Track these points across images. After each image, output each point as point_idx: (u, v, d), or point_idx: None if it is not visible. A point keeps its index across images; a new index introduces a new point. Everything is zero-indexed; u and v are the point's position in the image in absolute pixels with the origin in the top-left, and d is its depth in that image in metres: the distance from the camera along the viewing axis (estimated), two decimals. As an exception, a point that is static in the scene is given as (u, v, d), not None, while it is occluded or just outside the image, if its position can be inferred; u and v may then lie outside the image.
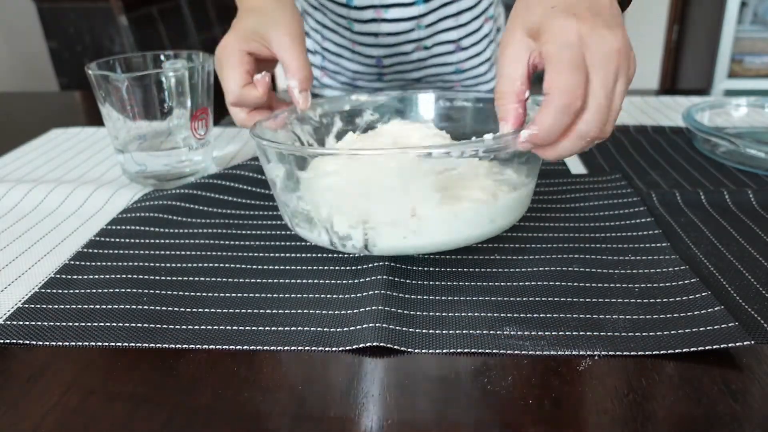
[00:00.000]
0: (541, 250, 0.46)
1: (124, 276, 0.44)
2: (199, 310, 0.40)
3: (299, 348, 0.36)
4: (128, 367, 0.35)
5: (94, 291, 0.42)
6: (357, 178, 0.40)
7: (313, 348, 0.36)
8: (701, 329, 0.36)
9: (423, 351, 0.36)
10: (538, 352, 0.35)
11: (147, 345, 0.37)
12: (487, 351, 0.36)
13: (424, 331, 0.37)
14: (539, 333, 0.37)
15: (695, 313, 0.38)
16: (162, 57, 0.63)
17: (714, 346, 0.34)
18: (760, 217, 0.51)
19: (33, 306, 0.40)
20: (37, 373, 0.35)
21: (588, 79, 0.36)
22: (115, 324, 0.38)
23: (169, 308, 0.40)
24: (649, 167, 0.63)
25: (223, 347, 0.37)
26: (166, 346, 0.37)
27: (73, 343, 0.37)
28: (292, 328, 0.38)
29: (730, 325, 0.36)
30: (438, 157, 0.38)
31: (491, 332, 0.37)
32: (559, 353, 0.35)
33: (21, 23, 2.27)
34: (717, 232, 0.49)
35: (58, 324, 0.38)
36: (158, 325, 0.38)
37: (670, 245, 0.46)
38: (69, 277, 0.44)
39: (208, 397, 0.33)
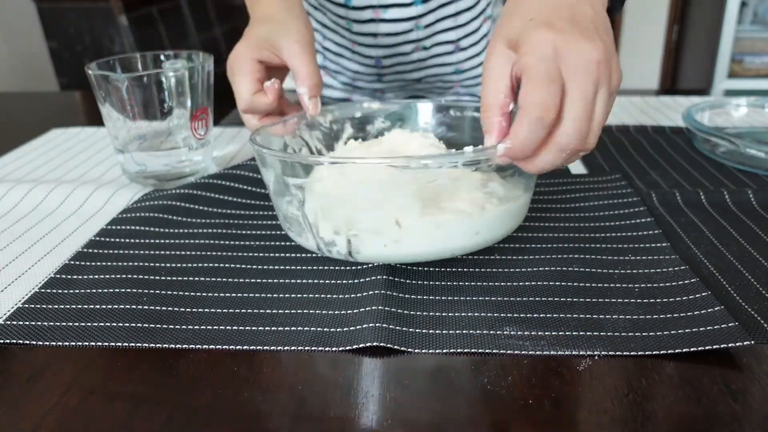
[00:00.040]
0: (541, 250, 0.46)
1: (124, 276, 0.44)
2: (199, 310, 0.40)
3: (299, 348, 0.36)
4: (128, 367, 0.35)
5: (94, 291, 0.42)
6: (340, 186, 0.41)
7: (313, 348, 0.36)
8: (701, 329, 0.36)
9: (423, 351, 0.36)
10: (538, 352, 0.35)
11: (147, 345, 0.37)
12: (487, 351, 0.36)
13: (424, 331, 0.37)
14: (539, 333, 0.37)
15: (695, 313, 0.38)
16: (162, 57, 0.63)
17: (714, 346, 0.34)
18: (760, 217, 0.51)
19: (33, 306, 0.40)
20: (37, 373, 0.35)
21: (564, 91, 0.35)
22: (115, 324, 0.38)
23: (169, 308, 0.40)
24: (649, 167, 0.63)
25: (223, 347, 0.37)
26: (166, 346, 0.37)
27: (73, 343, 0.37)
28: (292, 328, 0.38)
29: (730, 325, 0.36)
30: (415, 167, 0.38)
31: (491, 332, 0.37)
32: (559, 353, 0.35)
33: (21, 23, 2.27)
34: (717, 232, 0.49)
35: (58, 324, 0.38)
36: (158, 325, 0.38)
37: (670, 245, 0.46)
38: (69, 277, 0.44)
39: (208, 397, 0.33)
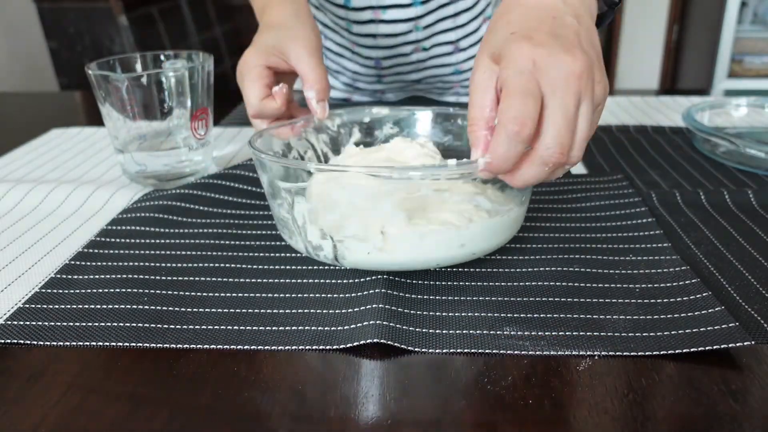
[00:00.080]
0: (541, 250, 0.46)
1: (124, 276, 0.44)
2: (199, 310, 0.40)
3: (299, 348, 0.36)
4: (128, 367, 0.35)
5: (95, 291, 0.42)
6: (327, 192, 0.41)
7: (313, 348, 0.36)
8: (702, 329, 0.36)
9: (423, 350, 0.36)
10: (538, 352, 0.35)
11: (147, 345, 0.37)
12: (487, 351, 0.36)
13: (424, 330, 0.37)
14: (539, 333, 0.37)
15: (696, 313, 0.38)
16: (162, 57, 0.63)
17: (714, 347, 0.34)
18: (760, 217, 0.51)
19: (33, 306, 0.40)
20: (37, 373, 0.35)
21: (545, 105, 0.35)
22: (115, 324, 0.38)
23: (170, 308, 0.40)
24: (649, 167, 0.63)
25: (223, 347, 0.37)
26: (166, 346, 0.37)
27: (73, 343, 0.37)
28: (292, 328, 0.38)
29: (730, 325, 0.36)
30: (397, 178, 0.38)
31: (491, 332, 0.37)
32: (559, 353, 0.35)
33: (21, 23, 2.27)
34: (717, 232, 0.49)
35: (58, 324, 0.38)
36: (158, 325, 0.38)
37: (671, 245, 0.46)
38: (69, 277, 0.44)
39: (208, 397, 0.33)
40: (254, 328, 0.38)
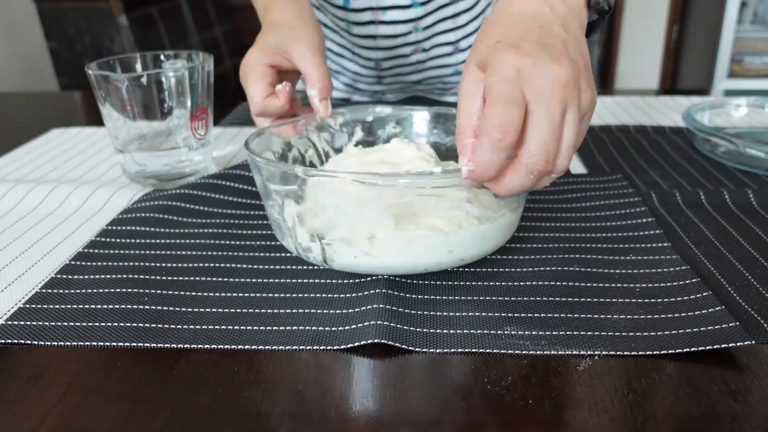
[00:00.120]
0: (541, 250, 0.46)
1: (124, 276, 0.44)
2: (199, 310, 0.40)
3: (299, 348, 0.36)
4: (128, 367, 0.35)
5: (95, 291, 0.42)
6: (315, 195, 0.41)
7: (313, 348, 0.36)
8: (702, 329, 0.36)
9: (423, 350, 0.36)
10: (538, 352, 0.35)
11: (147, 345, 0.37)
12: (487, 351, 0.36)
13: (424, 330, 0.37)
14: (540, 333, 0.37)
15: (696, 313, 0.38)
16: (162, 57, 0.63)
17: (714, 346, 0.34)
18: (760, 217, 0.51)
19: (33, 306, 0.40)
20: (37, 373, 0.35)
21: (529, 112, 0.35)
22: (115, 324, 0.38)
23: (169, 308, 0.40)
24: (649, 167, 0.63)
25: (223, 347, 0.37)
26: (166, 346, 0.37)
27: (73, 343, 0.37)
28: (293, 328, 0.38)
29: (730, 324, 0.36)
30: (381, 185, 0.38)
31: (492, 332, 0.37)
32: (559, 353, 0.35)
33: (21, 23, 2.27)
34: (717, 232, 0.49)
35: (59, 324, 0.38)
36: (158, 325, 0.38)
37: (671, 245, 0.46)
38: (69, 277, 0.44)
39: (208, 397, 0.33)
40: (254, 328, 0.38)
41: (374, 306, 0.39)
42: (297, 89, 0.59)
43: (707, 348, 0.35)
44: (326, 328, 0.38)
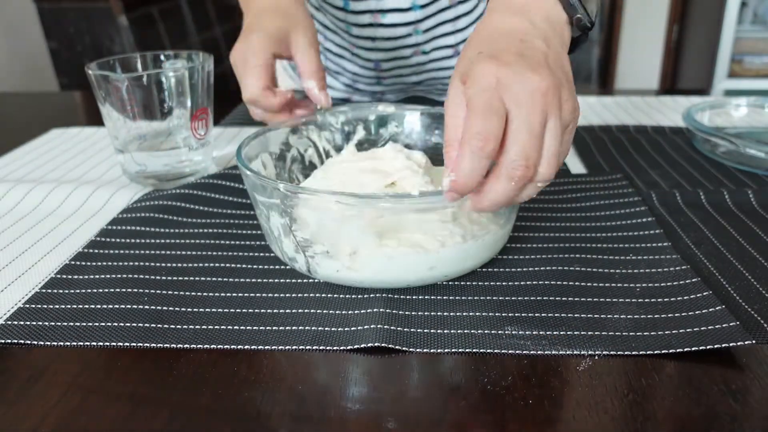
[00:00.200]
0: (541, 250, 0.46)
1: (124, 276, 0.44)
2: (199, 310, 0.40)
3: (299, 348, 0.36)
4: (128, 367, 0.35)
5: (95, 291, 0.42)
6: (298, 209, 0.41)
7: (313, 348, 0.36)
8: (702, 329, 0.36)
9: (424, 350, 0.36)
10: (539, 352, 0.35)
11: (147, 345, 0.37)
12: (487, 351, 0.36)
13: (425, 330, 0.37)
14: (540, 332, 0.37)
15: (696, 312, 0.38)
16: (162, 57, 0.63)
17: (715, 346, 0.34)
18: (760, 217, 0.51)
19: (33, 306, 0.40)
20: (37, 373, 0.35)
21: (509, 120, 0.35)
22: (115, 324, 0.38)
23: (169, 308, 0.40)
24: (649, 167, 0.63)
25: (223, 347, 0.37)
26: (166, 346, 0.37)
27: (73, 343, 0.37)
28: (293, 328, 0.38)
29: (731, 324, 0.36)
30: (357, 205, 0.38)
31: (492, 332, 0.37)
32: (560, 353, 0.35)
33: (21, 23, 2.27)
34: (717, 232, 0.49)
35: (59, 324, 0.38)
36: (158, 325, 0.38)
37: (671, 245, 0.46)
38: (69, 277, 0.44)
39: (208, 397, 0.33)
40: (254, 328, 0.38)
41: (375, 310, 0.39)
42: (295, 89, 0.59)
43: (707, 348, 0.35)
44: (326, 329, 0.38)
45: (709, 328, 0.36)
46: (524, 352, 0.36)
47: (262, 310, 0.40)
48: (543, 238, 0.48)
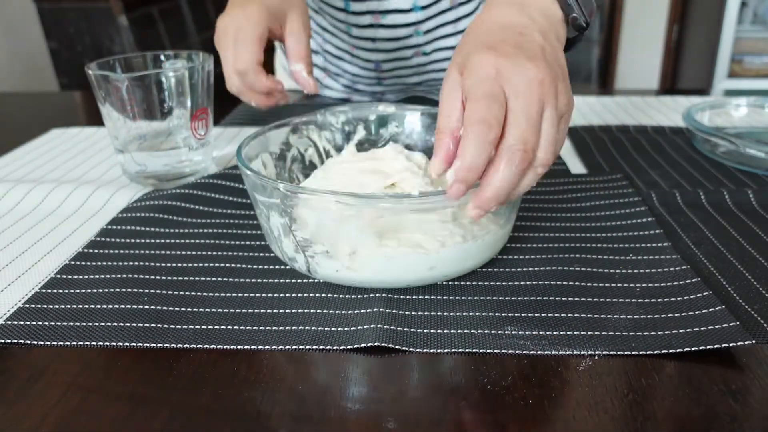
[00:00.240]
0: (541, 250, 0.46)
1: (124, 276, 0.44)
2: (199, 310, 0.40)
3: (299, 348, 0.36)
4: (128, 367, 0.35)
5: (95, 291, 0.42)
6: (298, 209, 0.41)
7: (313, 348, 0.36)
8: (702, 329, 0.36)
9: (424, 350, 0.36)
10: (539, 352, 0.35)
11: (147, 345, 0.37)
12: (487, 351, 0.36)
13: (425, 330, 0.37)
14: (540, 332, 0.37)
15: (696, 312, 0.38)
16: (162, 57, 0.63)
17: (715, 346, 0.34)
18: (760, 217, 0.51)
19: (33, 306, 0.40)
20: (37, 373, 0.35)
21: (508, 108, 0.35)
22: (115, 324, 0.38)
23: (169, 308, 0.40)
24: (649, 167, 0.63)
25: (223, 347, 0.37)
26: (166, 346, 0.37)
27: (73, 343, 0.37)
28: (293, 328, 0.38)
29: (731, 324, 0.36)
30: (357, 205, 0.38)
31: (492, 332, 0.37)
32: (560, 353, 0.35)
33: (21, 23, 2.27)
34: (717, 232, 0.49)
35: (59, 324, 0.38)
36: (158, 325, 0.38)
37: (671, 245, 0.46)
38: (69, 277, 0.44)
39: (208, 397, 0.33)
40: (254, 328, 0.38)
41: (375, 310, 0.39)
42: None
43: (707, 348, 0.35)
44: (326, 329, 0.38)
45: (709, 328, 0.36)
46: (524, 352, 0.36)
47: (262, 310, 0.40)
48: (543, 238, 0.48)
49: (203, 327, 0.38)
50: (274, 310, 0.40)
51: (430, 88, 0.88)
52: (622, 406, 0.32)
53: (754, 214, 0.52)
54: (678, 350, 0.35)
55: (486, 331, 0.37)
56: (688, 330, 0.36)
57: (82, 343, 0.37)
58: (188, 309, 0.40)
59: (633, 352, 0.35)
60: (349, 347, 0.36)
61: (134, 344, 0.37)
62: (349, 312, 0.39)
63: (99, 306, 0.40)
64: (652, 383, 0.33)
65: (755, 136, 0.70)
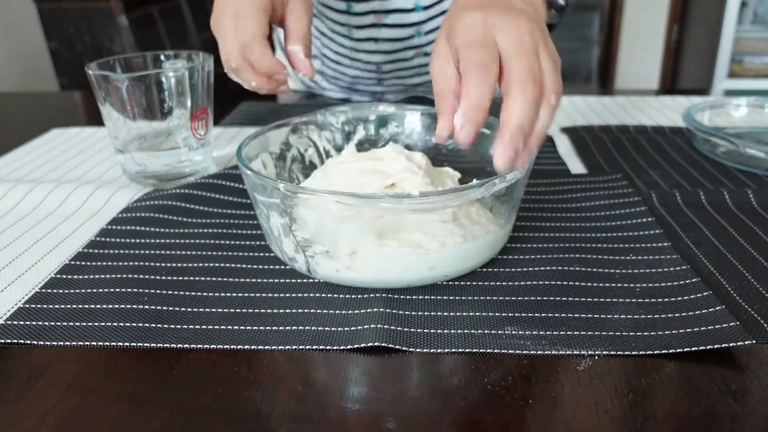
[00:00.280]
0: (541, 250, 0.46)
1: (124, 276, 0.44)
2: (199, 310, 0.40)
3: (299, 348, 0.36)
4: (128, 367, 0.35)
5: (95, 291, 0.42)
6: (298, 209, 0.41)
7: (313, 348, 0.36)
8: (702, 329, 0.36)
9: (424, 350, 0.36)
10: (539, 352, 0.35)
11: (147, 345, 0.37)
12: (487, 351, 0.36)
13: (425, 330, 0.37)
14: (540, 332, 0.37)
15: (696, 312, 0.38)
16: (162, 57, 0.63)
17: (715, 346, 0.34)
18: (760, 217, 0.51)
19: (33, 306, 0.40)
20: (37, 373, 0.35)
21: (502, 52, 0.37)
22: (115, 324, 0.38)
23: (169, 308, 0.40)
24: (649, 167, 0.63)
25: (223, 347, 0.37)
26: (166, 346, 0.37)
27: (73, 343, 0.37)
28: (293, 328, 0.38)
29: (731, 324, 0.36)
30: (358, 205, 0.38)
31: (492, 332, 0.37)
32: (560, 353, 0.35)
33: (21, 23, 2.27)
34: (717, 232, 0.49)
35: (59, 324, 0.38)
36: (158, 325, 0.38)
37: (671, 245, 0.46)
38: (69, 277, 0.44)
39: (208, 397, 0.33)
40: (254, 328, 0.38)
41: (375, 310, 0.39)
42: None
43: (707, 348, 0.35)
44: (326, 329, 0.38)
45: (709, 328, 0.36)
46: (524, 352, 0.36)
47: (262, 310, 0.40)
48: (543, 238, 0.48)
49: (203, 327, 0.38)
50: (274, 310, 0.40)
51: (430, 88, 0.88)
52: (622, 406, 0.32)
53: (754, 214, 0.52)
54: (678, 350, 0.35)
55: (486, 331, 0.37)
56: (688, 330, 0.36)
57: (82, 343, 0.37)
58: (188, 309, 0.40)
59: (633, 352, 0.35)
60: (349, 347, 0.36)
61: (134, 344, 0.37)
62: (349, 312, 0.39)
63: (99, 306, 0.40)
64: (652, 383, 0.33)
65: (755, 136, 0.70)
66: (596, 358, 0.35)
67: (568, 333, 0.37)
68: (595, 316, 0.38)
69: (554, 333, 0.37)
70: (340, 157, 0.52)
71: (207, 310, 0.40)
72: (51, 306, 0.40)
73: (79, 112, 0.96)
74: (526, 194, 0.55)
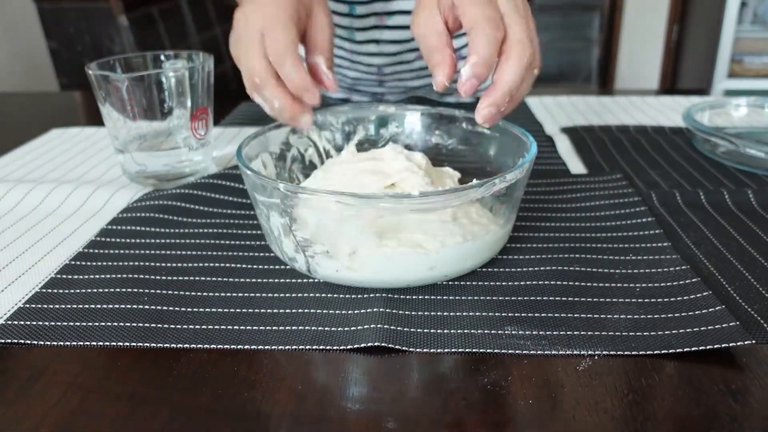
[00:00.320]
0: (541, 250, 0.46)
1: (124, 276, 0.44)
2: (199, 310, 0.40)
3: (299, 348, 0.36)
4: (128, 367, 0.35)
5: (95, 291, 0.42)
6: (298, 209, 0.41)
7: (313, 348, 0.36)
8: (702, 329, 0.36)
9: (424, 350, 0.36)
10: (539, 352, 0.35)
11: (147, 345, 0.37)
12: (487, 351, 0.36)
13: (425, 330, 0.37)
14: (540, 332, 0.37)
15: (696, 312, 0.38)
16: (162, 57, 0.63)
17: (715, 346, 0.34)
18: (760, 217, 0.51)
19: (33, 306, 0.40)
20: (37, 373, 0.35)
21: (503, 12, 0.40)
22: (115, 324, 0.38)
23: (169, 308, 0.40)
24: (649, 167, 0.63)
25: (223, 347, 0.37)
26: (166, 346, 0.37)
27: (73, 343, 0.37)
28: (293, 328, 0.38)
29: (731, 324, 0.36)
30: (358, 205, 0.38)
31: (492, 332, 0.37)
32: (560, 353, 0.35)
33: (21, 23, 2.27)
34: (717, 232, 0.49)
35: (59, 324, 0.38)
36: (158, 325, 0.38)
37: (670, 245, 0.46)
38: (69, 277, 0.44)
39: (208, 397, 0.33)
40: (254, 328, 0.38)
41: (375, 310, 0.39)
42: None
43: (707, 348, 0.35)
44: (326, 329, 0.38)
45: (709, 328, 0.36)
46: (524, 352, 0.36)
47: (262, 310, 0.40)
48: (543, 238, 0.48)
49: (203, 327, 0.38)
50: (274, 310, 0.40)
51: (430, 90, 0.88)
52: (622, 406, 0.32)
53: (754, 214, 0.52)
54: (678, 350, 0.35)
55: (486, 331, 0.37)
56: (688, 330, 0.36)
57: (82, 343, 0.37)
58: (188, 309, 0.40)
59: (633, 352, 0.35)
60: (349, 347, 0.36)
61: (134, 344, 0.37)
62: (349, 312, 0.39)
63: (99, 306, 0.40)
64: (652, 383, 0.33)
65: (755, 136, 0.70)
66: (596, 358, 0.35)
67: (568, 333, 0.37)
68: (595, 316, 0.38)
69: (554, 333, 0.37)
70: (340, 157, 0.52)
71: (207, 310, 0.40)
72: (51, 306, 0.40)
73: (79, 112, 0.96)
74: (526, 194, 0.55)
